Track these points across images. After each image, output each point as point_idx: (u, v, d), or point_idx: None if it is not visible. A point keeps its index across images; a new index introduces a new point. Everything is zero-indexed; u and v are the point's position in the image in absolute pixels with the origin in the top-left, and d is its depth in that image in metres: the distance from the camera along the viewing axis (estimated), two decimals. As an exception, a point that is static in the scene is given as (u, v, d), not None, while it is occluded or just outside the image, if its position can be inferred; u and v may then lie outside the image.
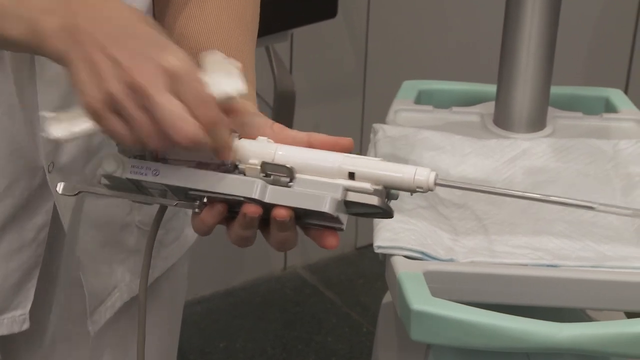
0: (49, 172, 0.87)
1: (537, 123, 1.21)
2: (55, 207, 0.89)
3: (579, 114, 1.25)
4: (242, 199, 0.75)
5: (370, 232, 1.03)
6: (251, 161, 0.76)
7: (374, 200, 0.75)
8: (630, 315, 1.00)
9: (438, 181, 0.75)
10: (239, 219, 0.76)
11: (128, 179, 0.77)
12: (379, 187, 0.76)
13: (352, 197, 0.75)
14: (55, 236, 0.92)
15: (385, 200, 0.76)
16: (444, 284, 0.98)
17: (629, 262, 0.99)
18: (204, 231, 0.78)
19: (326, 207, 0.74)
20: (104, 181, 0.78)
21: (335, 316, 2.04)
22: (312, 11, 1.69)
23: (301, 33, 1.85)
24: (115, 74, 0.72)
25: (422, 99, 1.28)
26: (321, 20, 1.70)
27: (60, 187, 0.79)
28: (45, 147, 0.86)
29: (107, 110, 0.72)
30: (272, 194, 0.75)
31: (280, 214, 0.75)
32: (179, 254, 1.04)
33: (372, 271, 2.13)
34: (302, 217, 0.76)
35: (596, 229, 1.04)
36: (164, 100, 0.71)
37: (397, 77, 1.41)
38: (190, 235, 1.05)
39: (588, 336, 0.93)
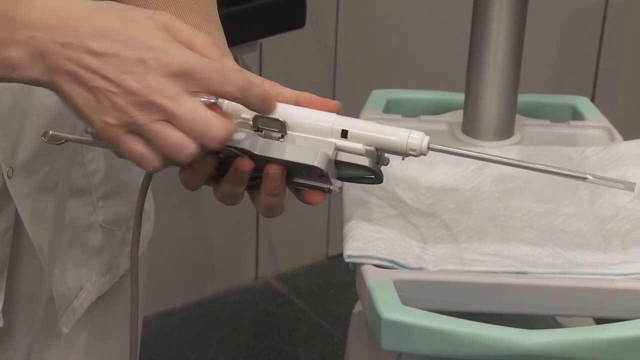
0: (8, 177, 0.86)
1: (505, 131, 1.22)
2: (17, 210, 0.89)
3: (547, 122, 1.25)
4: (232, 149, 0.73)
5: (341, 241, 1.03)
6: (243, 116, 0.75)
7: (364, 161, 0.74)
8: (599, 321, 1.01)
9: (431, 146, 0.75)
10: (230, 174, 0.74)
11: None
12: (371, 149, 0.75)
13: (343, 157, 0.74)
14: (20, 239, 0.92)
15: (377, 165, 0.75)
16: (414, 293, 0.98)
17: (596, 269, 0.99)
18: (194, 184, 0.76)
19: (316, 162, 0.73)
20: (91, 130, 0.75)
21: (307, 326, 2.04)
22: (281, 21, 1.69)
23: (270, 43, 1.85)
24: (124, 98, 0.68)
25: (390, 108, 1.28)
26: (290, 30, 1.71)
27: (46, 136, 0.77)
28: (4, 153, 0.85)
29: (126, 134, 0.70)
30: (263, 146, 0.73)
31: (272, 168, 0.74)
32: (140, 251, 1.04)
33: (343, 280, 2.13)
34: (292, 177, 0.75)
35: (564, 235, 1.05)
36: (185, 111, 0.69)
37: (366, 86, 1.41)
38: (148, 231, 1.05)
39: (557, 343, 0.93)
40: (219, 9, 0.91)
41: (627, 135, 1.22)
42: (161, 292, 2.03)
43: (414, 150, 0.75)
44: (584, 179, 0.76)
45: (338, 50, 2.05)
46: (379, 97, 1.28)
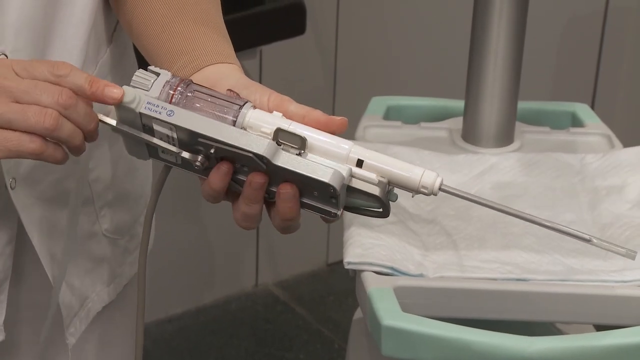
0: (11, 188, 0.87)
1: (504, 138, 1.22)
2: (20, 221, 0.89)
3: (546, 129, 1.26)
4: (250, 154, 0.74)
5: (341, 248, 1.03)
6: (263, 130, 0.76)
7: (375, 190, 0.75)
8: (599, 328, 1.01)
9: (442, 187, 0.76)
10: (245, 189, 0.76)
11: (141, 114, 0.76)
12: (384, 180, 0.75)
13: (355, 183, 0.75)
14: (23, 250, 0.92)
15: (387, 198, 0.76)
16: (414, 299, 0.98)
17: (596, 276, 0.99)
18: (213, 196, 0.78)
19: (331, 180, 0.73)
20: (114, 114, 0.78)
21: (307, 333, 2.04)
22: (281, 28, 1.70)
23: (270, 50, 1.85)
24: None
25: (390, 114, 1.28)
26: (290, 37, 1.71)
27: None
28: (7, 164, 0.85)
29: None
30: (281, 157, 0.74)
31: (284, 187, 0.75)
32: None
33: (343, 287, 2.13)
34: (302, 196, 0.76)
35: (564, 242, 1.05)
36: (23, 85, 0.75)
37: (366, 93, 1.41)
38: (151, 240, 1.05)
39: (557, 350, 0.93)
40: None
41: (627, 142, 1.22)
42: (161, 299, 2.03)
43: (425, 188, 0.75)
44: (588, 241, 0.77)
45: (338, 57, 2.05)
46: (379, 103, 1.28)
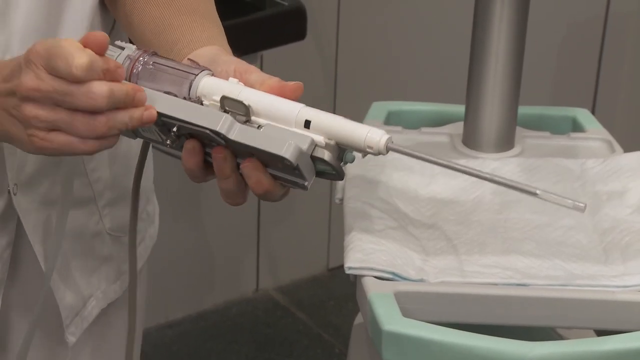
0: (13, 194, 0.87)
1: (505, 143, 1.22)
2: (18, 225, 0.90)
3: (547, 134, 1.26)
4: (208, 132, 0.74)
5: (341, 253, 1.03)
6: (214, 97, 0.76)
7: (324, 154, 0.74)
8: (599, 333, 1.01)
9: (390, 145, 0.74)
10: (213, 165, 0.76)
11: None
12: (332, 142, 0.75)
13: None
14: (18, 255, 0.92)
15: (340, 163, 0.75)
16: (415, 304, 0.98)
17: (596, 281, 0.99)
18: (192, 176, 0.78)
19: (286, 153, 0.73)
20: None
21: (307, 338, 2.04)
22: (282, 33, 1.70)
23: (271, 55, 1.85)
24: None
25: (391, 120, 1.28)
26: (290, 43, 1.71)
27: None
28: (11, 171, 0.86)
29: (49, 133, 0.75)
30: (239, 132, 0.74)
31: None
32: (145, 255, 1.05)
33: (343, 292, 2.13)
34: (269, 167, 0.75)
35: (564, 248, 1.05)
36: (47, 83, 0.74)
37: (367, 98, 1.42)
38: (152, 235, 1.06)
39: (558, 354, 0.93)
40: (221, 21, 0.92)
41: (628, 147, 1.23)
42: (161, 304, 2.03)
43: (371, 148, 0.74)
44: (535, 194, 0.77)
45: (339, 62, 2.05)
46: (379, 109, 1.28)
